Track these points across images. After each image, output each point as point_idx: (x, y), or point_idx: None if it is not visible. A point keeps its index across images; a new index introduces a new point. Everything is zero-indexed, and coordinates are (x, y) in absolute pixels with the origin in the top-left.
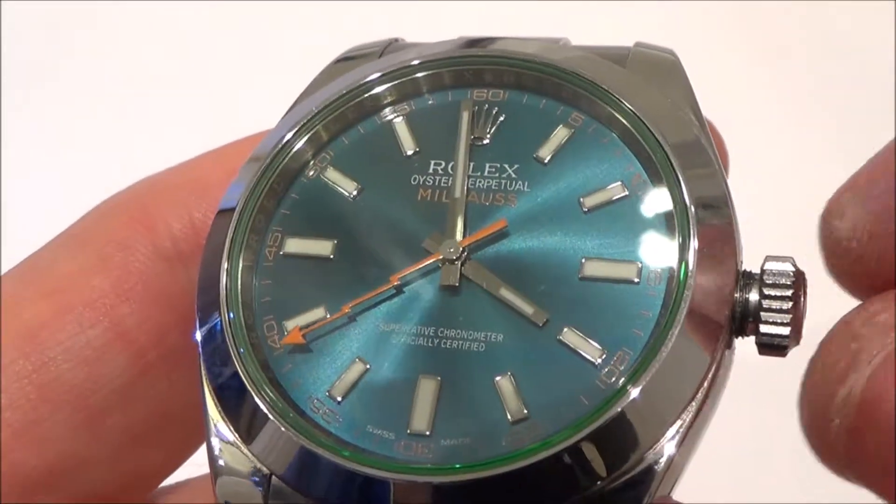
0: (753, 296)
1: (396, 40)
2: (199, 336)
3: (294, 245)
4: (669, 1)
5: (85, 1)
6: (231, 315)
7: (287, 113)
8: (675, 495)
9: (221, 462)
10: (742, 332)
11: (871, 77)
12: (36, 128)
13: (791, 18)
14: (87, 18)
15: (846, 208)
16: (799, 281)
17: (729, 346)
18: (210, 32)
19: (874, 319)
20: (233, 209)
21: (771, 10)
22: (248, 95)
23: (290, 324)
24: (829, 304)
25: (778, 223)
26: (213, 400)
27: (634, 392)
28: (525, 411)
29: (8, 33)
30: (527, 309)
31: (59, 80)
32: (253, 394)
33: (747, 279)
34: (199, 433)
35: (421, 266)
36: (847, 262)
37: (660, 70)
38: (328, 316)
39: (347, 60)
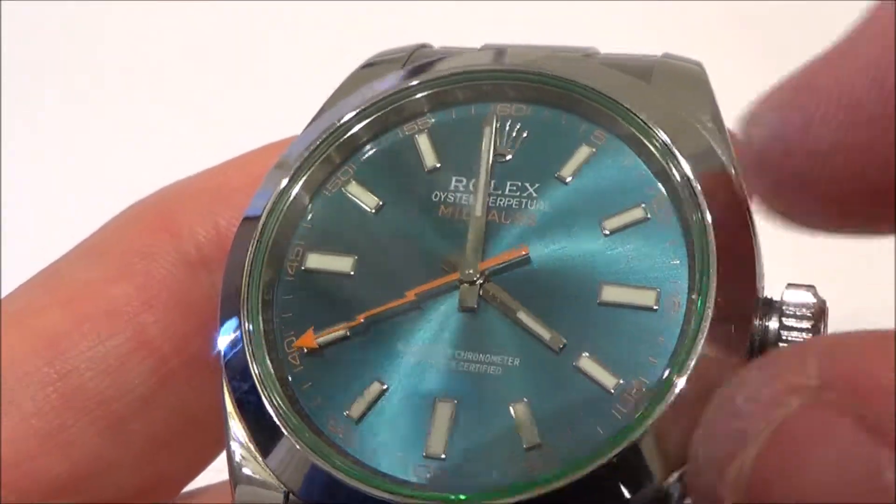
0: (773, 325)
1: (423, 46)
2: (220, 344)
3: (315, 260)
4: (682, 2)
5: (85, 1)
6: (251, 326)
7: (313, 120)
8: None
9: (243, 470)
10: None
11: None
12: (36, 128)
13: (800, 21)
14: (87, 19)
15: (768, 110)
16: (819, 311)
17: None
18: (221, 32)
19: (757, 396)
20: (257, 217)
21: (781, 11)
22: (255, 96)
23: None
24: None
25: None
26: (234, 409)
27: (652, 421)
28: (538, 439)
29: (8, 33)
30: (544, 334)
31: (59, 80)
32: (270, 410)
33: (767, 307)
34: (220, 439)
35: (438, 285)
36: (762, 168)
37: (685, 83)
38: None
39: (373, 66)
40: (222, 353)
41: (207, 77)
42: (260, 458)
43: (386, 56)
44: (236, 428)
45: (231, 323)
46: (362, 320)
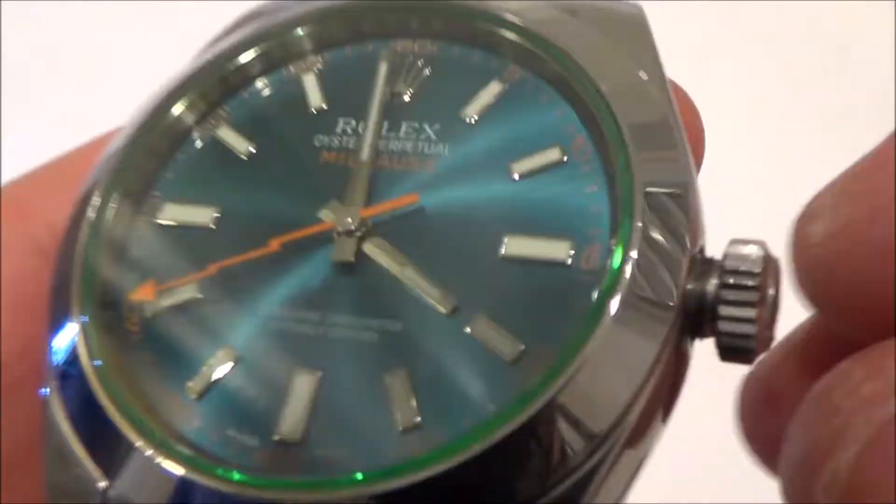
0: (711, 286)
1: None
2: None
3: (171, 212)
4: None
5: (86, 1)
6: (85, 319)
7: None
8: None
9: (50, 489)
10: (700, 331)
11: (868, 72)
12: (36, 129)
13: (786, 14)
14: (87, 19)
15: (823, 211)
16: (768, 268)
17: (679, 344)
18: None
19: (857, 391)
20: (92, 193)
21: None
22: None
23: (151, 306)
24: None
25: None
26: (56, 394)
27: (550, 394)
28: (418, 418)
29: (8, 33)
30: (432, 293)
31: (58, 81)
32: (95, 390)
33: (705, 266)
34: None
35: (309, 233)
36: (816, 274)
37: (618, 25)
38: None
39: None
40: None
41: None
42: (81, 453)
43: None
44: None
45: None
46: (215, 272)
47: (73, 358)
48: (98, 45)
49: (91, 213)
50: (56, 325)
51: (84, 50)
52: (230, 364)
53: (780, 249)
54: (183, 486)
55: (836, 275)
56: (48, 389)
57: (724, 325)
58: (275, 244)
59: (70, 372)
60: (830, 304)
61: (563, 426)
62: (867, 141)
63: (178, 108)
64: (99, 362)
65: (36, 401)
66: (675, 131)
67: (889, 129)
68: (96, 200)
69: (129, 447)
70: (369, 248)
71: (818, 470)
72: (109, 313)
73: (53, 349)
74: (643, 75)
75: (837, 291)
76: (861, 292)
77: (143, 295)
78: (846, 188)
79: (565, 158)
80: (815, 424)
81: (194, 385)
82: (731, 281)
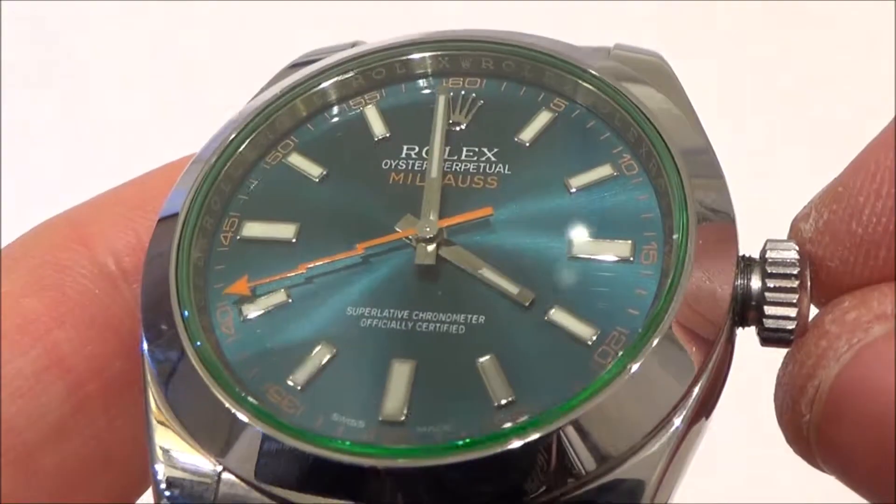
0: (755, 281)
1: (356, 44)
2: (145, 346)
3: (253, 229)
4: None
5: (86, 1)
6: (186, 313)
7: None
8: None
9: (163, 486)
10: (744, 321)
11: (870, 77)
12: (36, 129)
13: (792, 18)
14: (87, 19)
15: (811, 210)
16: (803, 266)
17: (731, 332)
18: (214, 37)
19: (843, 317)
20: (176, 214)
21: (770, 9)
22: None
23: (248, 308)
24: None
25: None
26: (161, 404)
27: (635, 368)
28: (512, 395)
29: (8, 33)
30: (511, 289)
31: (59, 81)
32: (208, 383)
33: (748, 264)
34: (142, 480)
35: (391, 240)
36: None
37: (645, 73)
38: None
39: (304, 65)
40: (146, 351)
41: (207, 81)
42: (193, 442)
43: (318, 54)
44: (163, 423)
45: (159, 315)
46: (303, 270)
47: (179, 354)
48: (98, 44)
49: (175, 234)
50: (155, 332)
51: (85, 50)
52: (329, 357)
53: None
54: (300, 458)
55: (823, 265)
56: (150, 391)
57: (769, 322)
58: (360, 248)
59: (178, 369)
60: (824, 291)
61: (641, 400)
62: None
63: (248, 139)
64: (204, 360)
65: (104, 417)
66: (710, 147)
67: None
68: (179, 221)
69: (243, 429)
70: (446, 252)
71: (804, 386)
72: (205, 317)
73: (156, 351)
74: (675, 106)
75: (827, 282)
76: (844, 287)
77: (238, 289)
78: (829, 190)
79: (616, 174)
80: (805, 346)
81: (297, 377)
82: (774, 284)
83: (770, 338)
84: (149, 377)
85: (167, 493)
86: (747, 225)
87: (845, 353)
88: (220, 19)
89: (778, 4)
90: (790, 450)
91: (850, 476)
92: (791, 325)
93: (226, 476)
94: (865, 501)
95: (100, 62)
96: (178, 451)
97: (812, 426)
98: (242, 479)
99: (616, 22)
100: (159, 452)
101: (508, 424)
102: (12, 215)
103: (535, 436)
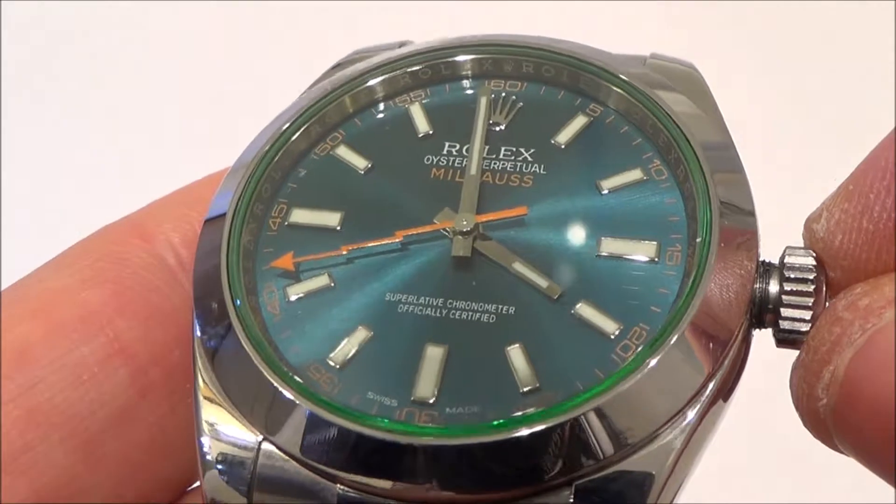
0: (774, 285)
1: (403, 45)
2: (197, 328)
3: (300, 215)
4: (665, 1)
5: (86, 1)
6: (238, 300)
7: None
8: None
9: (209, 457)
10: (761, 323)
11: (871, 76)
12: (35, 130)
13: (794, 19)
14: (87, 19)
15: (823, 210)
16: (819, 272)
17: (748, 332)
18: (222, 33)
19: (856, 303)
20: (223, 214)
21: (773, 10)
22: (252, 99)
23: (292, 290)
24: None
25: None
26: (209, 381)
27: (653, 362)
28: (537, 382)
29: (8, 33)
30: (541, 282)
31: (59, 81)
32: (253, 358)
33: (767, 269)
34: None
35: (429, 230)
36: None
37: (678, 81)
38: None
39: (350, 64)
40: (197, 327)
41: (209, 82)
42: (235, 412)
43: (365, 53)
44: (210, 397)
45: (209, 296)
46: (345, 252)
47: (226, 331)
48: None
49: (227, 220)
50: (206, 313)
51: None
52: (367, 339)
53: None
54: (341, 435)
55: (837, 264)
56: (199, 371)
57: (785, 324)
58: (398, 235)
59: (227, 347)
60: (837, 290)
61: (659, 392)
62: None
63: (299, 130)
64: (252, 338)
65: (167, 403)
66: (737, 156)
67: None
68: (230, 208)
69: (286, 404)
70: (481, 245)
71: (819, 372)
72: (253, 298)
73: (207, 331)
74: (707, 118)
75: (841, 281)
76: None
77: (283, 264)
78: (840, 190)
79: (645, 178)
80: (821, 332)
81: (336, 356)
82: (791, 288)
83: (785, 339)
84: (198, 358)
85: (212, 464)
86: (769, 230)
87: (859, 339)
88: (225, 20)
89: (795, 5)
90: (787, 454)
91: (867, 456)
92: (805, 328)
93: (266, 447)
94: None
95: (101, 63)
96: (222, 425)
97: (829, 409)
98: (282, 451)
99: (639, 24)
100: (205, 426)
101: (532, 409)
102: (12, 215)
103: (556, 421)
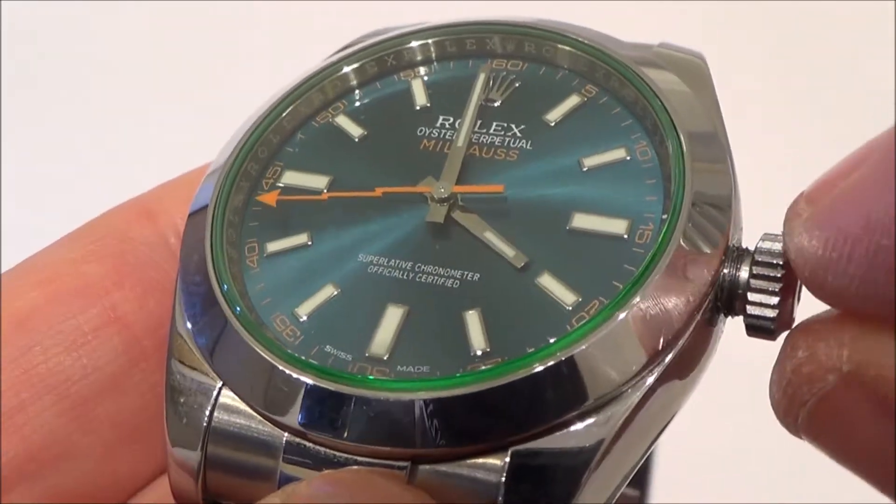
0: (743, 272)
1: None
2: (178, 284)
3: (291, 177)
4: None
5: (85, 1)
6: (225, 288)
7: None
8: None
9: (170, 394)
10: (731, 309)
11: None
12: (36, 129)
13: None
14: (87, 19)
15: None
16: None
17: (713, 317)
18: (222, 32)
19: (800, 370)
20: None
21: (772, 8)
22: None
23: (272, 245)
24: None
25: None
26: (182, 330)
27: (601, 334)
28: (488, 346)
29: (8, 33)
30: (508, 252)
31: (59, 81)
32: (221, 304)
33: (740, 255)
34: None
35: (407, 191)
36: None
37: (682, 71)
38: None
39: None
40: (178, 290)
41: (210, 80)
42: (196, 350)
43: (371, 37)
44: (179, 321)
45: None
46: (325, 198)
47: (202, 279)
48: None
49: (219, 179)
50: (186, 267)
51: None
52: (333, 296)
53: None
54: (289, 384)
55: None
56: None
57: (752, 308)
58: (379, 191)
59: (202, 296)
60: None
61: (605, 360)
62: None
63: (303, 97)
64: (225, 286)
65: (160, 371)
66: (724, 144)
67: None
68: (223, 170)
69: (248, 352)
70: (457, 214)
71: (797, 414)
72: (234, 250)
73: (185, 287)
74: (702, 105)
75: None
76: (832, 274)
77: (267, 199)
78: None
79: (629, 157)
80: (779, 385)
81: (301, 309)
82: (759, 272)
83: (753, 325)
84: (177, 309)
85: (174, 401)
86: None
87: (811, 401)
88: (227, 21)
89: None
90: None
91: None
92: (772, 314)
93: (226, 391)
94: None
95: (101, 63)
96: (187, 369)
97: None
98: (240, 397)
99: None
100: (174, 365)
101: (477, 370)
102: (12, 214)
103: (496, 382)
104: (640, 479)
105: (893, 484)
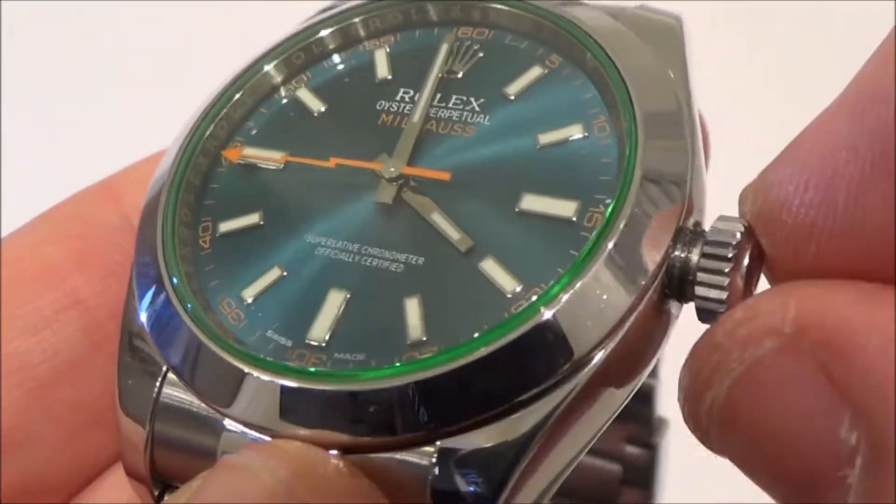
0: (694, 254)
1: None
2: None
3: (250, 152)
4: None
5: (85, 1)
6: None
7: None
8: None
9: (119, 372)
10: (682, 295)
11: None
12: (35, 129)
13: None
14: (87, 19)
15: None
16: (744, 242)
17: (660, 301)
18: (221, 32)
19: (735, 333)
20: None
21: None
22: None
23: (224, 225)
24: None
25: None
26: (135, 303)
27: (534, 322)
28: (424, 336)
29: (8, 33)
30: (453, 235)
31: (59, 81)
32: (165, 283)
33: (695, 237)
34: None
35: (359, 165)
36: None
37: (654, 34)
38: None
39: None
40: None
41: (208, 77)
42: (147, 332)
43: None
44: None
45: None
46: (282, 162)
47: (152, 259)
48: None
49: (177, 157)
50: (141, 243)
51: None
52: (279, 279)
53: None
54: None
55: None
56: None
57: (700, 290)
58: (332, 161)
59: (154, 279)
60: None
61: (540, 349)
62: None
63: (266, 71)
64: (175, 280)
65: None
66: (686, 123)
67: None
68: (182, 147)
69: (188, 336)
70: (407, 195)
71: (701, 396)
72: (188, 232)
73: (139, 266)
74: (670, 73)
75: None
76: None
77: (231, 154)
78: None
79: (586, 134)
80: (700, 357)
81: (247, 293)
82: (710, 251)
83: (702, 308)
84: (133, 290)
85: (124, 381)
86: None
87: (735, 370)
88: (227, 18)
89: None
90: None
91: (752, 477)
92: (722, 296)
93: (170, 376)
94: None
95: (101, 63)
96: (139, 349)
97: (713, 432)
98: (183, 380)
99: None
100: (126, 342)
101: (408, 360)
102: (12, 214)
103: (425, 375)
104: (648, 479)
105: (802, 475)
